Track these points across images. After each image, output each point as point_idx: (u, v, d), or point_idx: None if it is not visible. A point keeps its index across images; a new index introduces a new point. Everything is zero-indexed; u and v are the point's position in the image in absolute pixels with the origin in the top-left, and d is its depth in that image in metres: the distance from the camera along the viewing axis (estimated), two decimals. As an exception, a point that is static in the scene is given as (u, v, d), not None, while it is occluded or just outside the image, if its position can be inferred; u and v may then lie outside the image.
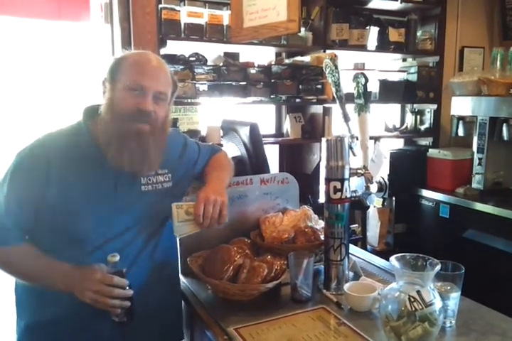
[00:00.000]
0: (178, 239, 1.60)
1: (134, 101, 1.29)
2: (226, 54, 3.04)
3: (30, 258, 1.30)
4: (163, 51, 2.73)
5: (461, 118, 3.36)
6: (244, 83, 2.90)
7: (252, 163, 2.03)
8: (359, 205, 1.98)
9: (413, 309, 1.08)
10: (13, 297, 1.44)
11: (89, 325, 1.34)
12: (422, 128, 3.75)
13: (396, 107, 3.90)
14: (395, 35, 3.33)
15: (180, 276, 1.66)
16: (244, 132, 2.02)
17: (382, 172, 3.30)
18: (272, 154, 3.38)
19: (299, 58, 3.19)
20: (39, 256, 1.30)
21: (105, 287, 1.21)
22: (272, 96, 3.01)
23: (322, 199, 1.58)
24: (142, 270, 1.42)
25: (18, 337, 1.42)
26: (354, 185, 1.95)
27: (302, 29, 2.99)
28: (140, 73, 1.31)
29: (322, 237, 1.65)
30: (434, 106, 3.62)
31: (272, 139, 3.29)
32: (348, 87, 2.22)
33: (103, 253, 1.27)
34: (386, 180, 3.33)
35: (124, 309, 1.25)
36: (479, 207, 2.93)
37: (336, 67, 1.97)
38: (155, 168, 1.40)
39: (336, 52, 3.08)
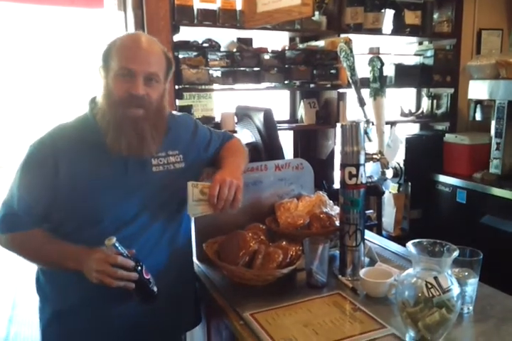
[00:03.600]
0: (193, 223, 1.60)
1: (125, 87, 1.29)
2: (239, 39, 3.01)
3: (42, 242, 1.34)
4: (176, 37, 2.72)
5: (478, 102, 3.30)
6: (258, 69, 2.88)
7: (267, 149, 2.02)
8: (374, 191, 1.97)
9: (430, 295, 1.07)
10: (35, 285, 1.47)
11: (113, 308, 1.37)
12: (439, 112, 3.70)
13: (412, 92, 3.86)
14: (411, 17, 3.27)
15: (196, 262, 1.67)
16: (259, 118, 2.01)
17: (398, 158, 3.28)
18: (287, 140, 3.37)
19: (313, 43, 3.16)
20: (50, 240, 1.34)
21: (109, 267, 1.22)
22: (285, 82, 2.98)
23: (337, 184, 1.57)
24: (162, 254, 1.44)
25: (43, 324, 1.44)
26: (369, 171, 1.93)
27: (316, 13, 2.95)
28: (128, 57, 1.30)
29: (337, 223, 1.64)
30: (451, 90, 3.56)
31: (286, 125, 3.27)
32: (363, 71, 2.20)
33: (121, 238, 1.28)
34: (402, 165, 3.30)
35: (137, 289, 1.27)
36: (497, 192, 2.89)
37: (351, 51, 1.94)
38: (154, 151, 1.40)
39: (351, 36, 3.02)
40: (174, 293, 1.46)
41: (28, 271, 1.52)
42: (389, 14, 3.29)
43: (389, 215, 3.43)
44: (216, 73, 2.80)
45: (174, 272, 1.47)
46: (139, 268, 1.26)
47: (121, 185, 1.36)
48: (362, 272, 1.42)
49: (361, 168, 1.49)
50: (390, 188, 3.41)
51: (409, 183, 3.38)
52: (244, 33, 2.97)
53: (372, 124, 2.09)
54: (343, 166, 1.50)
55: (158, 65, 1.35)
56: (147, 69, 1.31)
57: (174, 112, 1.61)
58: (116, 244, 1.23)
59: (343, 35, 3.05)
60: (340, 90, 3.13)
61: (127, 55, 1.31)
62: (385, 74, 2.15)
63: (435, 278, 1.08)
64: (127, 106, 1.30)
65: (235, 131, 2.62)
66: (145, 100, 1.32)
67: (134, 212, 1.38)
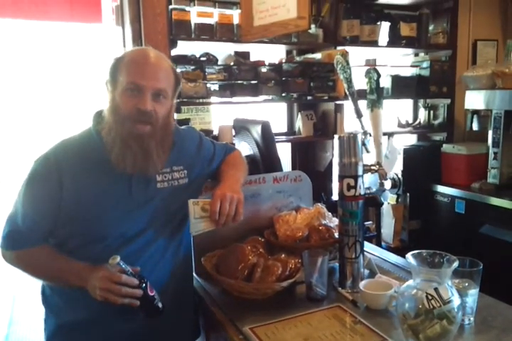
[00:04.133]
0: (192, 237, 1.60)
1: (133, 102, 1.28)
2: (237, 53, 3.04)
3: (47, 259, 1.34)
4: (174, 52, 2.74)
5: (475, 112, 3.31)
6: (256, 82, 2.89)
7: (265, 161, 2.02)
8: (373, 202, 1.97)
9: (431, 307, 1.06)
10: (40, 297, 1.47)
11: (116, 323, 1.36)
12: (436, 123, 3.71)
13: (409, 103, 3.87)
14: (406, 29, 3.30)
15: (195, 275, 1.66)
16: (257, 131, 2.02)
17: (396, 169, 3.28)
18: (285, 152, 3.37)
19: (309, 55, 3.18)
20: (55, 256, 1.33)
21: (114, 285, 1.22)
22: (283, 95, 2.99)
23: (336, 196, 1.57)
24: (165, 270, 1.43)
25: (47, 336, 1.44)
26: (368, 182, 1.94)
27: (312, 26, 2.97)
28: (136, 73, 1.29)
29: (336, 235, 1.64)
30: (448, 101, 3.57)
31: (284, 137, 3.28)
32: (359, 83, 2.21)
33: (126, 254, 1.28)
34: (400, 176, 3.30)
35: (142, 306, 1.27)
36: (495, 201, 2.89)
37: (348, 63, 1.96)
38: (159, 168, 1.39)
39: (347, 48, 3.05)
40: (174, 306, 1.45)
41: (26, 282, 1.51)
42: (385, 26, 3.32)
43: (388, 226, 3.42)
44: (214, 86, 2.81)
45: (175, 286, 1.47)
46: (144, 285, 1.26)
47: (125, 202, 1.36)
48: (362, 284, 1.41)
49: (359, 180, 1.49)
50: (389, 199, 3.41)
51: (408, 194, 3.38)
52: (242, 47, 3.00)
53: (370, 135, 2.09)
54: (341, 178, 1.50)
55: (167, 80, 1.35)
56: (155, 85, 1.30)
57: (179, 126, 1.61)
58: (121, 263, 1.23)
59: (339, 48, 3.07)
60: (338, 102, 3.14)
61: (136, 70, 1.30)
62: (381, 85, 2.16)
63: (435, 289, 1.08)
64: (134, 121, 1.29)
65: (233, 144, 2.63)
66: (152, 116, 1.31)
67: (139, 229, 1.37)
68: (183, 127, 1.63)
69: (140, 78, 1.28)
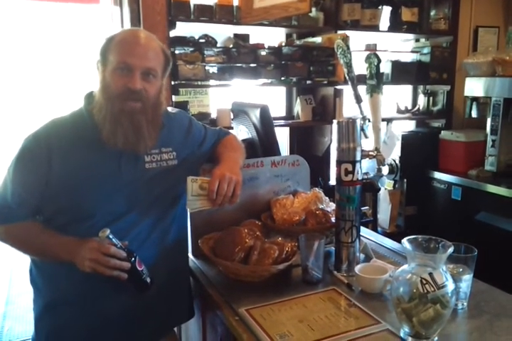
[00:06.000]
0: (189, 217, 1.61)
1: (123, 81, 1.30)
2: (236, 35, 3.01)
3: (35, 234, 1.35)
4: (172, 33, 2.71)
5: (474, 99, 3.31)
6: (255, 65, 2.87)
7: (263, 145, 2.02)
8: (370, 187, 1.97)
9: (425, 291, 1.07)
10: (28, 277, 1.47)
11: (104, 301, 1.37)
12: (435, 109, 3.71)
13: (408, 89, 3.86)
14: (407, 14, 3.27)
15: (192, 258, 1.67)
16: (255, 114, 2.01)
17: (393, 155, 3.28)
18: (283, 137, 3.37)
19: (310, 39, 3.15)
20: (43, 231, 1.35)
21: (102, 256, 1.23)
22: (282, 78, 2.98)
23: (333, 181, 1.57)
24: (152, 250, 1.44)
25: (36, 316, 1.45)
26: (366, 167, 1.94)
27: (313, 9, 2.94)
28: (126, 52, 1.31)
29: (333, 219, 1.65)
30: (447, 88, 3.57)
31: (282, 121, 3.27)
32: (359, 68, 2.20)
33: (112, 232, 1.28)
34: (398, 162, 3.31)
35: (130, 280, 1.28)
36: (492, 189, 2.90)
37: (348, 48, 1.94)
38: (150, 146, 1.40)
39: (348, 32, 3.03)
40: (166, 287, 1.46)
41: (22, 265, 1.52)
42: (386, 11, 3.29)
43: (384, 212, 3.44)
44: (212, 69, 2.79)
45: (166, 266, 1.47)
46: (132, 259, 1.27)
47: (114, 179, 1.37)
48: (357, 268, 1.42)
49: (357, 165, 1.49)
50: (386, 185, 3.42)
51: (405, 180, 3.39)
52: (241, 29, 2.97)
53: (369, 121, 2.09)
54: (339, 163, 1.50)
55: (156, 60, 1.36)
56: (145, 64, 1.31)
57: (169, 109, 1.61)
58: (110, 236, 1.24)
59: (340, 32, 3.05)
60: (337, 87, 3.13)
61: (126, 49, 1.31)
62: (381, 71, 2.15)
63: (430, 274, 1.08)
64: (124, 99, 1.31)
65: (231, 128, 2.62)
66: (142, 94, 1.32)
67: (125, 208, 1.38)
68: (173, 111, 1.63)
69: (130, 57, 1.30)
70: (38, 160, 1.32)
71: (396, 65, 3.37)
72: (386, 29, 3.32)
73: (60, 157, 1.32)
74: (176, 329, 1.77)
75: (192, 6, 2.69)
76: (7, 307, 3.34)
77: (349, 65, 1.94)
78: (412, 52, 3.59)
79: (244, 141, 2.06)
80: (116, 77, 1.31)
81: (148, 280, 1.32)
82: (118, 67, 1.30)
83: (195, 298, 1.65)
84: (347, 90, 3.05)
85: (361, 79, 2.20)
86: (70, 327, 1.39)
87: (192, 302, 1.64)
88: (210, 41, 2.82)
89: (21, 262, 1.45)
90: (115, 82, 1.31)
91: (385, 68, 3.33)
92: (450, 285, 1.09)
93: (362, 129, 1.67)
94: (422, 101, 3.76)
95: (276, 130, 2.08)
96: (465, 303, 1.30)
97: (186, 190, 1.37)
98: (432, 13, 3.45)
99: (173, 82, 2.71)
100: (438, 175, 3.33)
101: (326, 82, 3.11)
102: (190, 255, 1.68)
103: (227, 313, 1.30)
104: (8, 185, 1.34)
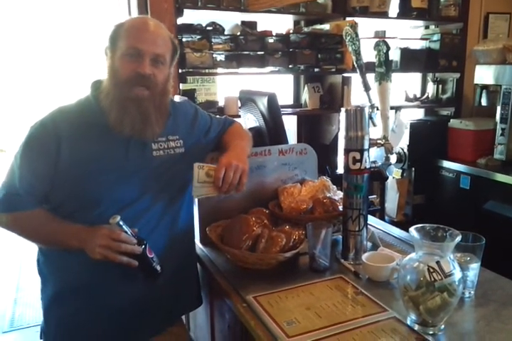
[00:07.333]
0: (196, 207, 1.61)
1: (132, 66, 1.30)
2: (244, 23, 2.99)
3: (44, 222, 1.35)
4: (179, 20, 2.70)
5: (484, 87, 3.27)
6: (262, 53, 2.86)
7: (271, 133, 2.01)
8: (378, 176, 1.97)
9: (432, 279, 1.07)
10: (36, 267, 1.48)
11: (112, 289, 1.38)
12: (444, 97, 3.68)
13: (417, 76, 3.82)
14: (417, 1, 3.23)
15: (200, 245, 1.68)
16: (263, 102, 2.00)
17: (402, 143, 3.27)
18: (290, 125, 3.36)
19: (318, 26, 3.12)
20: (52, 219, 1.35)
21: (113, 242, 1.24)
22: (290, 66, 2.96)
23: (341, 170, 1.57)
24: (161, 238, 1.44)
25: (45, 305, 1.45)
26: (374, 156, 1.94)
27: (321, -4, 2.91)
28: (136, 37, 1.32)
29: (340, 208, 1.65)
30: (457, 75, 3.53)
31: (290, 110, 3.26)
32: (368, 55, 2.18)
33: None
34: (406, 150, 3.30)
35: (140, 267, 1.28)
36: (501, 178, 2.89)
37: (357, 35, 1.93)
38: (157, 133, 1.40)
39: (356, 19, 2.99)
40: (174, 274, 1.47)
41: (31, 253, 1.53)
42: (395, -3, 3.25)
43: (392, 200, 3.43)
44: (220, 57, 2.78)
45: (174, 254, 1.48)
46: (143, 246, 1.28)
47: (120, 167, 1.37)
48: (364, 256, 1.42)
49: (365, 153, 1.49)
50: (394, 173, 3.41)
51: (413, 169, 3.38)
52: (249, 16, 2.94)
53: (377, 109, 2.08)
54: (347, 151, 1.50)
55: (165, 47, 1.37)
56: (154, 50, 1.32)
57: (175, 98, 1.61)
58: (121, 223, 1.24)
59: (348, 19, 3.02)
60: (345, 74, 3.10)
61: (136, 35, 1.32)
62: (390, 58, 2.13)
63: (437, 262, 1.08)
64: (133, 85, 1.31)
65: (239, 116, 2.61)
66: (151, 80, 1.32)
67: (133, 195, 1.38)
68: (179, 100, 1.64)
69: (140, 43, 1.31)
70: (47, 147, 1.32)
71: (405, 52, 3.33)
72: (395, 16, 3.28)
73: (68, 144, 1.32)
74: (183, 317, 1.78)
75: (199, -7, 2.67)
76: (18, 293, 3.38)
77: (357, 53, 1.93)
78: (422, 39, 3.55)
79: (251, 129, 2.06)
80: (125, 63, 1.31)
81: (159, 267, 1.33)
82: (127, 53, 1.31)
83: (203, 286, 1.66)
84: (355, 78, 3.03)
85: (370, 67, 2.18)
86: (79, 316, 1.39)
87: (200, 290, 1.65)
88: (217, 29, 2.80)
89: (31, 248, 1.45)
90: (124, 68, 1.31)
91: (394, 55, 3.30)
92: (457, 274, 1.09)
93: (370, 117, 1.66)
94: (431, 89, 3.72)
95: (284, 118, 2.08)
96: (472, 292, 1.30)
97: (193, 177, 1.37)
98: (442, -1, 3.41)
99: (180, 70, 2.71)
100: (446, 163, 3.31)
101: (334, 70, 3.09)
102: (198, 243, 1.69)
103: (235, 300, 1.31)
104: (16, 173, 1.34)
